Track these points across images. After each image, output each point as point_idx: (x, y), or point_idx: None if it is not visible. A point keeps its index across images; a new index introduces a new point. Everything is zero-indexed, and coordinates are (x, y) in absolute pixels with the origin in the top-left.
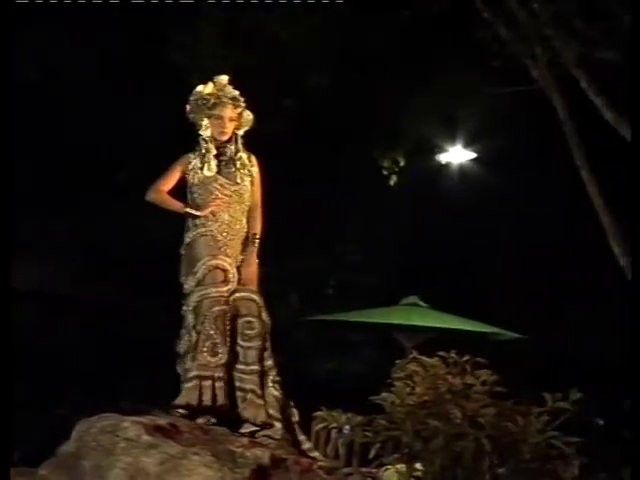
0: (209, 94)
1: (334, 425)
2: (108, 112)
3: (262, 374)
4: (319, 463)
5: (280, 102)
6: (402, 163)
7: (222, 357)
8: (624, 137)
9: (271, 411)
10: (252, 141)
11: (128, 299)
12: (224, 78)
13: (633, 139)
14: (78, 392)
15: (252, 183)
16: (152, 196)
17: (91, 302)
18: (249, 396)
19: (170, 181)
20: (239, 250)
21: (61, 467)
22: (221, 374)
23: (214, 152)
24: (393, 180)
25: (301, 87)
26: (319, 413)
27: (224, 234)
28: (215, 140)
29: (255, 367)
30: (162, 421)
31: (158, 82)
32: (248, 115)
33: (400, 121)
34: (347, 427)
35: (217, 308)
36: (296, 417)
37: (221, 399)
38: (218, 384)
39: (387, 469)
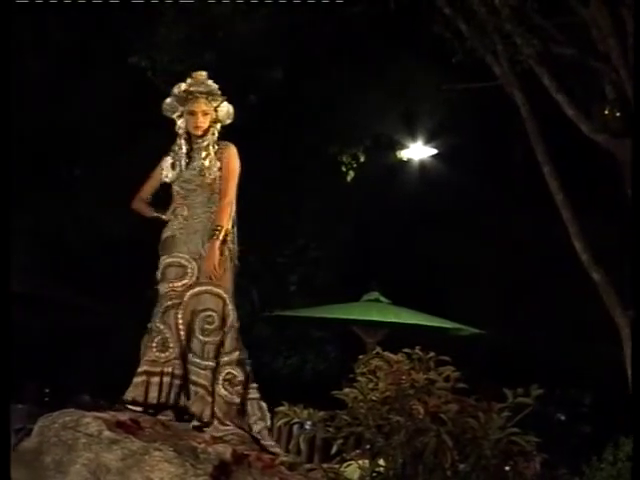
0: (184, 90)
1: (296, 420)
2: (66, 109)
3: (214, 370)
4: (281, 459)
5: (239, 98)
6: (362, 159)
7: (172, 352)
8: (584, 133)
9: (216, 409)
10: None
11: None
12: (202, 73)
13: (633, 140)
14: (36, 386)
15: (219, 174)
16: (133, 204)
17: (44, 298)
18: (199, 391)
19: (149, 187)
20: (205, 244)
21: (22, 462)
22: (171, 369)
23: (185, 149)
24: (350, 176)
25: (259, 83)
26: (281, 408)
27: (181, 230)
28: (191, 135)
29: (210, 363)
30: (123, 417)
31: (120, 80)
32: (225, 108)
33: (360, 117)
34: (309, 423)
35: (167, 303)
36: (267, 423)
37: (170, 394)
38: (166, 379)
39: (349, 465)
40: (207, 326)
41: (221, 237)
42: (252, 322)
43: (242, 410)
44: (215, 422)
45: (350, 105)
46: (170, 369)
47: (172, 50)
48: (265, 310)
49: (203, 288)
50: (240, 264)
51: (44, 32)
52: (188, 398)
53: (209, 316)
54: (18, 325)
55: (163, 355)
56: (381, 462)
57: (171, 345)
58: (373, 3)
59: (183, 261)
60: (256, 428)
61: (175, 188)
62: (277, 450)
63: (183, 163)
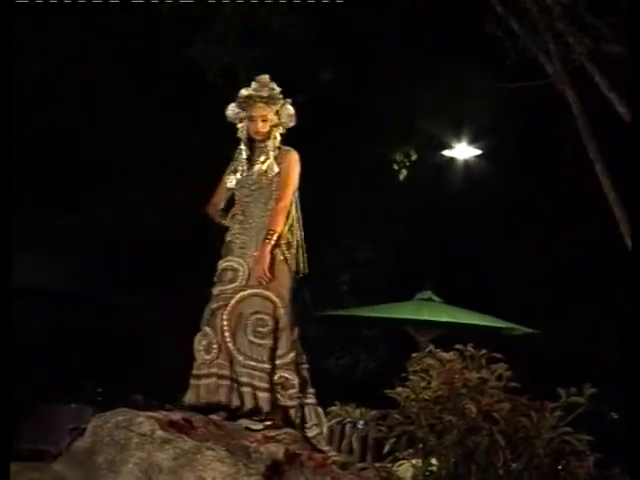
0: (245, 95)
1: (348, 420)
2: (121, 110)
3: (271, 373)
4: (333, 458)
5: (289, 97)
6: (414, 157)
7: (217, 354)
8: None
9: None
10: None
11: (135, 296)
12: (264, 77)
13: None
14: (89, 386)
15: (278, 180)
16: (206, 209)
17: (97, 299)
18: (262, 394)
19: (219, 193)
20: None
21: (75, 462)
22: (216, 370)
23: (245, 154)
24: (403, 174)
25: (310, 82)
26: (333, 408)
27: (237, 235)
28: (254, 140)
29: (265, 365)
30: (176, 416)
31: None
32: (285, 111)
33: (410, 117)
34: (361, 422)
35: (214, 305)
36: (323, 429)
37: (219, 395)
38: (213, 380)
39: (401, 464)
40: (260, 329)
41: (273, 241)
42: (304, 322)
43: (299, 414)
44: (269, 423)
45: (400, 105)
46: (215, 370)
47: (224, 45)
48: (317, 310)
49: (252, 291)
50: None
51: (105, 30)
52: (240, 400)
53: (261, 319)
54: (71, 326)
55: (208, 357)
56: (433, 461)
57: (215, 347)
58: (425, 2)
59: (236, 265)
60: (311, 433)
61: (236, 193)
62: (329, 449)
63: (244, 168)
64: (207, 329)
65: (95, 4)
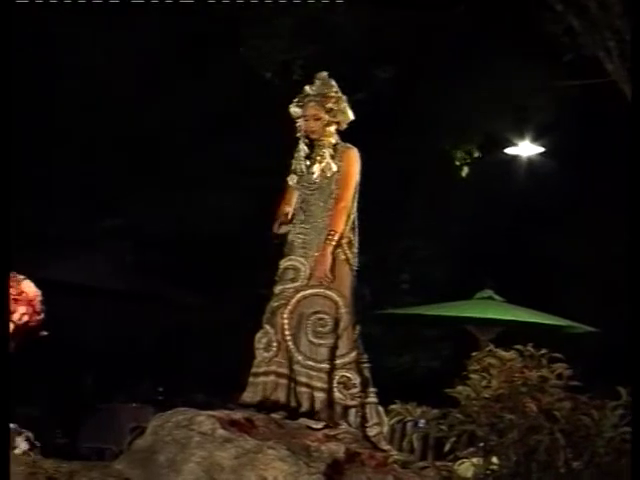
0: (303, 94)
1: (409, 419)
2: (174, 105)
3: (331, 372)
4: (394, 457)
5: (347, 95)
6: (475, 154)
7: (277, 352)
8: None
9: (332, 412)
10: None
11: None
12: (322, 74)
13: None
14: (150, 385)
15: (337, 178)
16: (275, 229)
17: (158, 297)
18: (316, 394)
19: (286, 198)
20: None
21: (136, 461)
22: (274, 368)
23: (303, 152)
24: (465, 171)
25: (368, 80)
26: (394, 407)
27: (298, 234)
28: (310, 139)
29: (325, 365)
30: (237, 415)
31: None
32: (341, 109)
33: (470, 115)
34: (422, 421)
35: (275, 304)
36: (384, 429)
37: (276, 394)
38: (271, 378)
39: (462, 463)
40: (320, 329)
41: (334, 242)
42: (364, 321)
43: (360, 414)
44: (324, 424)
45: (460, 102)
46: (274, 368)
47: (279, 42)
48: (377, 309)
49: (314, 291)
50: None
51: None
52: (297, 399)
53: (321, 319)
54: (132, 325)
55: (267, 355)
56: (494, 460)
57: (274, 345)
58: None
59: (298, 264)
60: (372, 432)
61: (297, 192)
62: (389, 447)
63: (303, 167)
64: (267, 327)
65: (151, 4)
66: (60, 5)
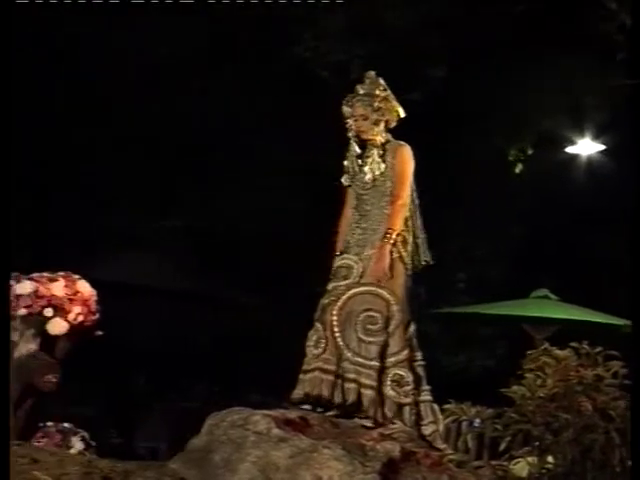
0: (354, 93)
1: (464, 418)
2: (228, 106)
3: (382, 370)
4: (449, 456)
5: (400, 94)
6: (529, 152)
7: (325, 348)
8: None
9: (386, 411)
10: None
11: (249, 295)
12: (370, 73)
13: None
14: (205, 385)
15: (391, 176)
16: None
17: (212, 298)
18: (367, 392)
19: (346, 200)
20: (376, 246)
21: (192, 461)
22: (321, 364)
23: (355, 152)
24: (519, 168)
25: (421, 78)
26: (448, 406)
27: (352, 233)
28: (361, 138)
29: (374, 363)
30: (292, 414)
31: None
32: (389, 108)
33: (526, 113)
34: (477, 420)
35: (325, 301)
36: (440, 427)
37: (322, 390)
38: (317, 374)
39: (517, 462)
40: (370, 326)
41: (392, 241)
42: (420, 319)
43: (414, 411)
44: (386, 423)
45: (515, 101)
46: (320, 364)
47: (335, 41)
48: (433, 307)
49: (365, 289)
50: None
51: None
52: (343, 396)
53: (372, 317)
54: (188, 325)
55: (316, 352)
56: (549, 459)
57: (323, 342)
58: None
59: (351, 262)
60: (427, 431)
61: (350, 191)
62: (444, 447)
63: (356, 167)
64: (318, 324)
65: (206, 4)
66: (115, 5)
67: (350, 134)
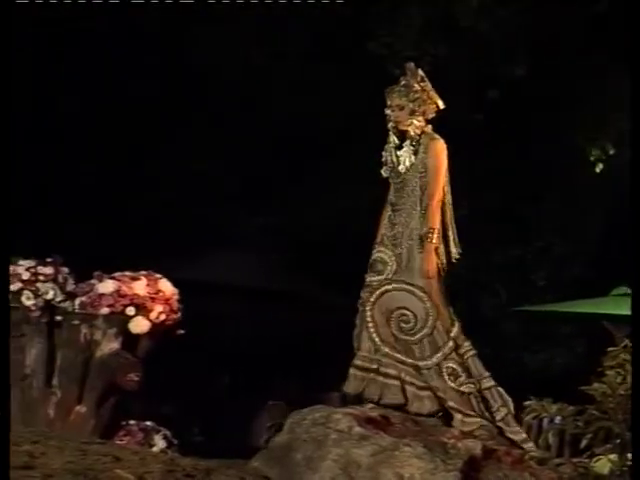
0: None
1: (545, 415)
2: (311, 103)
3: (427, 368)
4: (530, 454)
5: (480, 93)
6: (611, 151)
7: (361, 344)
8: None
9: (451, 403)
10: (452, 132)
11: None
12: (410, 64)
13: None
14: (286, 384)
15: (422, 171)
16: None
17: (299, 296)
18: (410, 388)
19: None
20: (408, 241)
21: (273, 459)
22: (359, 362)
23: (393, 144)
24: (599, 167)
25: (500, 77)
26: (529, 403)
27: (387, 225)
28: (399, 129)
29: (411, 360)
30: (373, 413)
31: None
32: (424, 98)
33: (605, 112)
34: (558, 417)
35: (363, 295)
36: (510, 408)
37: (365, 387)
38: (351, 371)
39: (598, 459)
40: (403, 325)
41: (435, 239)
42: (499, 317)
43: (477, 400)
44: (458, 415)
45: (596, 100)
46: (359, 362)
47: (410, 38)
48: (513, 306)
49: (398, 286)
50: (486, 259)
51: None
52: (381, 391)
53: (405, 315)
54: (271, 323)
55: (355, 346)
56: (630, 456)
57: (363, 337)
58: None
59: (386, 257)
60: (499, 416)
61: (391, 183)
62: (524, 436)
63: (394, 159)
64: (356, 320)
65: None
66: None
67: (389, 125)
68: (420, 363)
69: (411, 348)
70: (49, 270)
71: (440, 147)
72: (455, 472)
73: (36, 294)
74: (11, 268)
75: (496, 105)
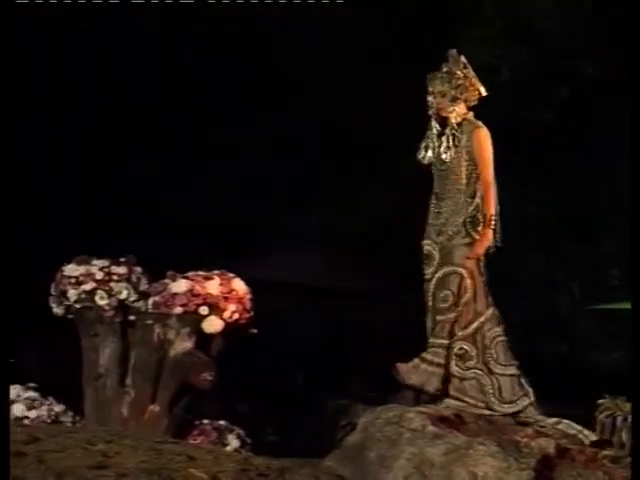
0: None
1: (619, 413)
2: (372, 101)
3: (448, 347)
4: (604, 452)
5: (550, 92)
6: None
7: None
8: None
9: (450, 386)
10: (521, 130)
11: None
12: (453, 51)
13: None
14: (359, 382)
15: (465, 158)
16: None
17: (372, 294)
18: (428, 368)
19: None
20: (452, 228)
21: (347, 458)
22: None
23: (435, 131)
24: None
25: (573, 77)
26: (603, 401)
27: (431, 214)
28: (440, 116)
29: (443, 341)
30: (447, 411)
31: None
32: (466, 85)
33: None
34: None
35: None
36: (532, 398)
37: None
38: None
39: None
40: (442, 305)
41: (493, 226)
42: (574, 316)
43: (496, 386)
44: (449, 400)
45: None
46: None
47: (488, 43)
48: (587, 305)
49: (449, 269)
50: (561, 256)
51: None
52: (421, 378)
53: (445, 295)
54: (343, 321)
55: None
56: None
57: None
58: None
59: (431, 249)
60: (520, 406)
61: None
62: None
63: (436, 145)
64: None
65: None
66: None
67: (430, 112)
68: (438, 341)
69: (443, 328)
70: (122, 270)
71: (484, 134)
72: (528, 471)
73: (110, 294)
74: (85, 268)
75: (568, 104)
